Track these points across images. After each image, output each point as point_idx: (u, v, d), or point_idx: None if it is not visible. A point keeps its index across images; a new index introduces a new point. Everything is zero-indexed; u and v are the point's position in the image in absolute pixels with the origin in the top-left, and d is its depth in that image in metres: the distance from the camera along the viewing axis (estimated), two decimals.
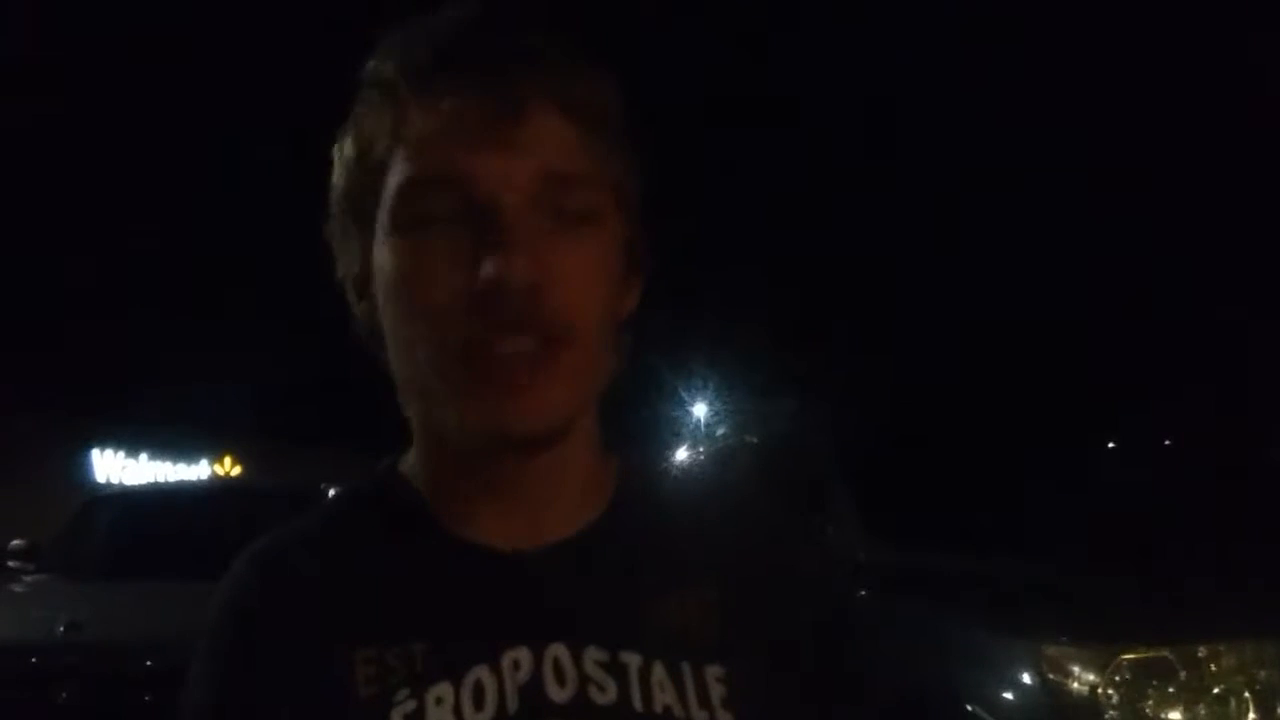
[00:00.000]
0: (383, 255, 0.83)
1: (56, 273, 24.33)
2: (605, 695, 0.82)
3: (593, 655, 0.84)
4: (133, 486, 16.06)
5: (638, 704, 0.82)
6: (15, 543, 6.51)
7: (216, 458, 26.97)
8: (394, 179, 0.82)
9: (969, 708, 3.02)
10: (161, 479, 23.07)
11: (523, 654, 0.83)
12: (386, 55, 0.84)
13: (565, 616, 0.85)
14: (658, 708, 0.83)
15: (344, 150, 0.87)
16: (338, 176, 0.88)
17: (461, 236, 0.80)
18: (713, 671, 0.85)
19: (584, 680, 0.82)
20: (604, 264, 0.85)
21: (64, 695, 4.53)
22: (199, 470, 26.06)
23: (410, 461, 0.95)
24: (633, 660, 0.84)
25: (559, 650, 0.83)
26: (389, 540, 0.90)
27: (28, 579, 6.14)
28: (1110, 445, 4.97)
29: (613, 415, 0.91)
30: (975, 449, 4.59)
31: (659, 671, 0.84)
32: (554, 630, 0.84)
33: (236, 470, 26.60)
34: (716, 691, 0.85)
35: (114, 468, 23.30)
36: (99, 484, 20.49)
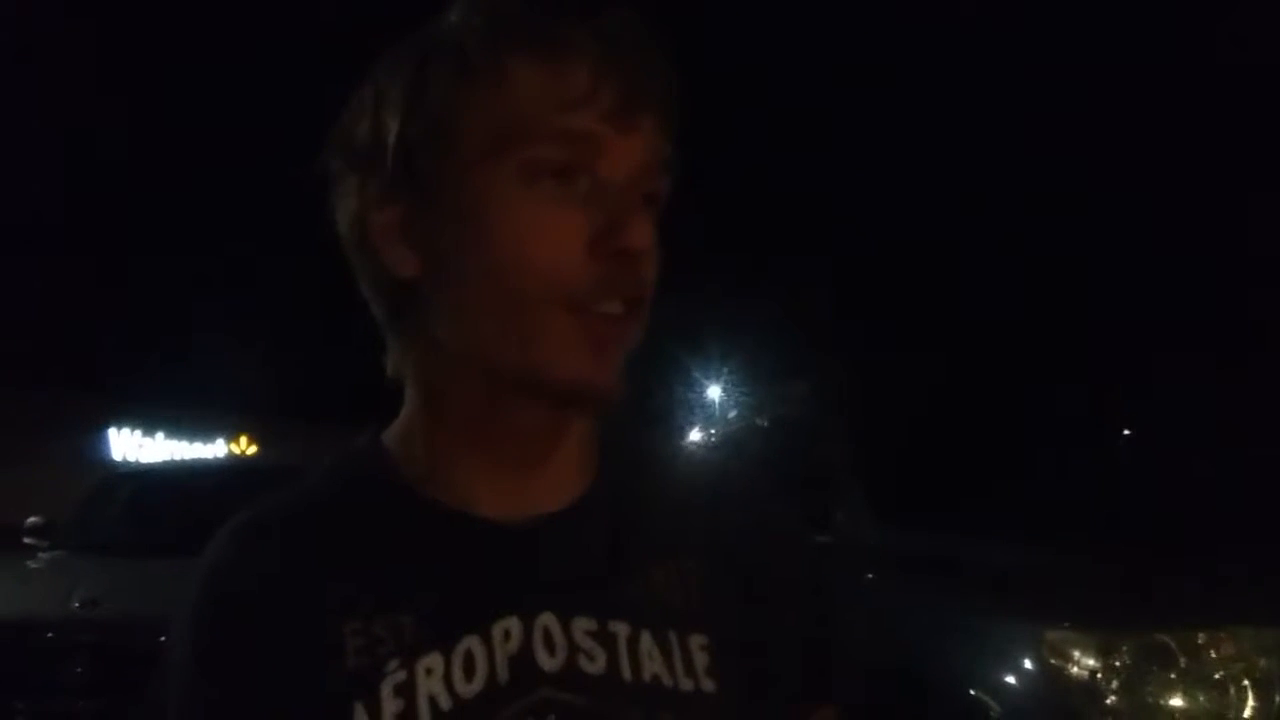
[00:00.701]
0: (491, 202, 0.83)
1: (74, 254, 24.42)
2: (594, 664, 0.83)
3: (582, 625, 0.85)
4: (148, 464, 16.13)
5: (626, 673, 0.83)
6: (31, 519, 6.57)
7: (232, 437, 27.08)
8: (520, 128, 0.82)
9: (971, 691, 3.03)
10: (177, 458, 23.18)
11: (513, 624, 0.84)
12: (508, 9, 0.84)
13: (554, 587, 0.86)
14: (646, 676, 0.84)
15: (427, 89, 0.85)
16: (406, 118, 0.85)
17: (582, 197, 0.82)
18: (696, 640, 0.87)
19: (573, 649, 0.83)
20: (658, 248, 0.87)
21: (78, 669, 4.58)
22: (215, 449, 26.18)
23: (400, 433, 0.94)
24: (621, 630, 0.85)
25: (549, 620, 0.84)
26: (376, 511, 0.90)
27: (43, 555, 6.19)
28: (1126, 433, 4.96)
29: (629, 398, 0.92)
30: (984, 434, 4.59)
31: (646, 641, 0.85)
32: (543, 600, 0.85)
33: (252, 449, 26.71)
34: (700, 660, 0.86)
35: (130, 446, 23.43)
36: (115, 462, 20.59)
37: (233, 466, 10.74)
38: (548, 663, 0.83)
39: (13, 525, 6.74)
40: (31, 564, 6.05)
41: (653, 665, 0.84)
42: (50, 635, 4.78)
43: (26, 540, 6.41)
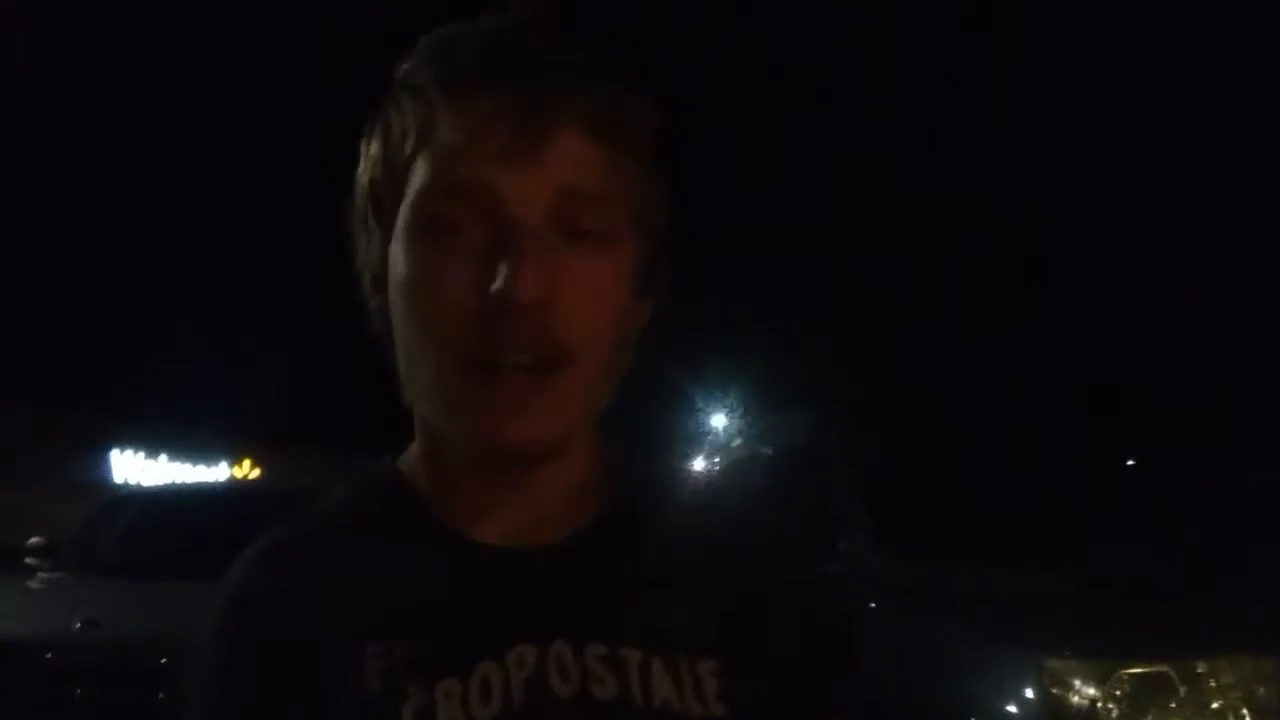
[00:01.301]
0: (397, 257, 0.84)
1: (77, 275, 24.49)
2: (606, 690, 0.84)
3: (594, 651, 0.85)
4: (151, 487, 16.12)
5: (638, 698, 0.84)
6: (33, 540, 6.56)
7: (235, 460, 27.06)
8: (415, 183, 0.82)
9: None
10: (180, 480, 23.17)
11: (527, 650, 0.85)
12: (421, 59, 0.85)
13: (567, 614, 0.87)
14: (656, 701, 0.84)
15: (371, 147, 0.88)
16: (362, 171, 0.89)
17: (475, 248, 0.80)
18: (707, 666, 0.87)
19: (586, 675, 0.84)
20: (612, 286, 0.85)
21: (79, 691, 4.58)
22: (218, 472, 26.16)
23: (412, 458, 0.95)
24: (633, 656, 0.86)
25: (562, 646, 0.85)
26: (394, 537, 0.91)
27: (45, 576, 6.19)
28: (1129, 463, 4.96)
29: (632, 426, 0.92)
30: (988, 465, 4.60)
31: (657, 666, 0.86)
32: (557, 627, 0.86)
33: (255, 473, 26.67)
34: (710, 685, 0.86)
35: (133, 469, 23.41)
36: (117, 484, 20.56)
37: (235, 490, 10.73)
38: (561, 688, 0.84)
39: (14, 546, 6.74)
40: (33, 585, 6.05)
41: (663, 690, 0.85)
42: (50, 656, 4.78)
43: (28, 561, 6.41)
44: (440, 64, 0.83)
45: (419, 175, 0.82)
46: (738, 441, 6.81)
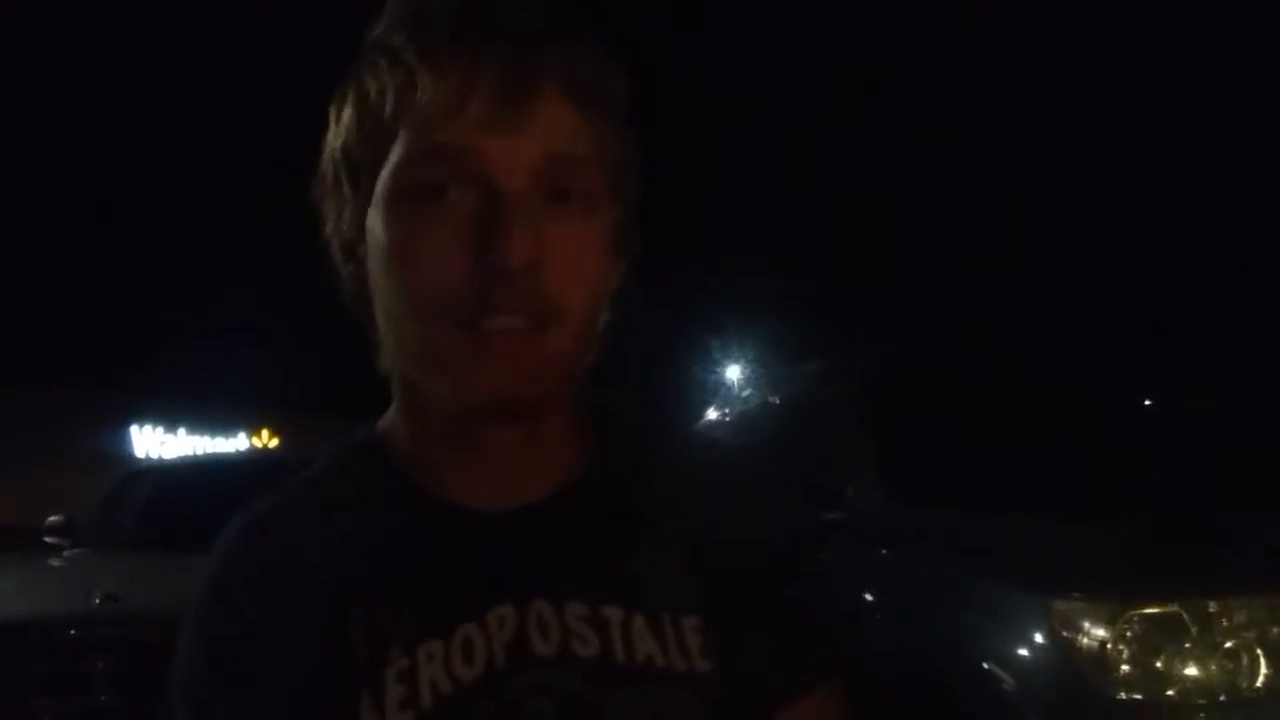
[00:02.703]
0: (379, 223, 0.84)
1: (94, 251, 24.55)
2: (588, 648, 0.85)
3: (575, 610, 0.87)
4: (169, 459, 16.21)
5: (620, 655, 0.85)
6: (53, 519, 6.61)
7: (254, 430, 27.24)
8: (398, 148, 0.82)
9: (984, 664, 3.02)
10: (200, 452, 23.31)
11: (508, 611, 0.86)
12: (395, 20, 0.84)
13: (547, 574, 0.88)
14: (639, 657, 0.86)
15: (343, 111, 0.87)
16: (334, 136, 0.88)
17: (462, 212, 0.81)
18: (690, 622, 0.88)
19: (567, 634, 0.85)
20: (595, 247, 0.86)
21: (101, 665, 4.62)
22: (237, 443, 26.35)
23: (390, 423, 0.96)
24: (614, 614, 0.87)
25: (542, 606, 0.86)
26: (375, 503, 0.92)
27: (66, 554, 6.24)
28: (1147, 403, 4.94)
29: (626, 381, 0.92)
30: (998, 407, 4.58)
31: (639, 624, 0.87)
32: (537, 588, 0.87)
33: (274, 443, 26.84)
34: (694, 641, 0.88)
35: (153, 443, 23.59)
36: (137, 459, 20.71)
37: (254, 460, 10.78)
38: (542, 647, 0.85)
39: (36, 526, 6.79)
40: (54, 562, 6.10)
41: (646, 647, 0.86)
42: (73, 632, 4.82)
43: (47, 539, 6.46)
44: (416, 26, 0.82)
45: (400, 141, 0.81)
46: (747, 392, 6.79)
